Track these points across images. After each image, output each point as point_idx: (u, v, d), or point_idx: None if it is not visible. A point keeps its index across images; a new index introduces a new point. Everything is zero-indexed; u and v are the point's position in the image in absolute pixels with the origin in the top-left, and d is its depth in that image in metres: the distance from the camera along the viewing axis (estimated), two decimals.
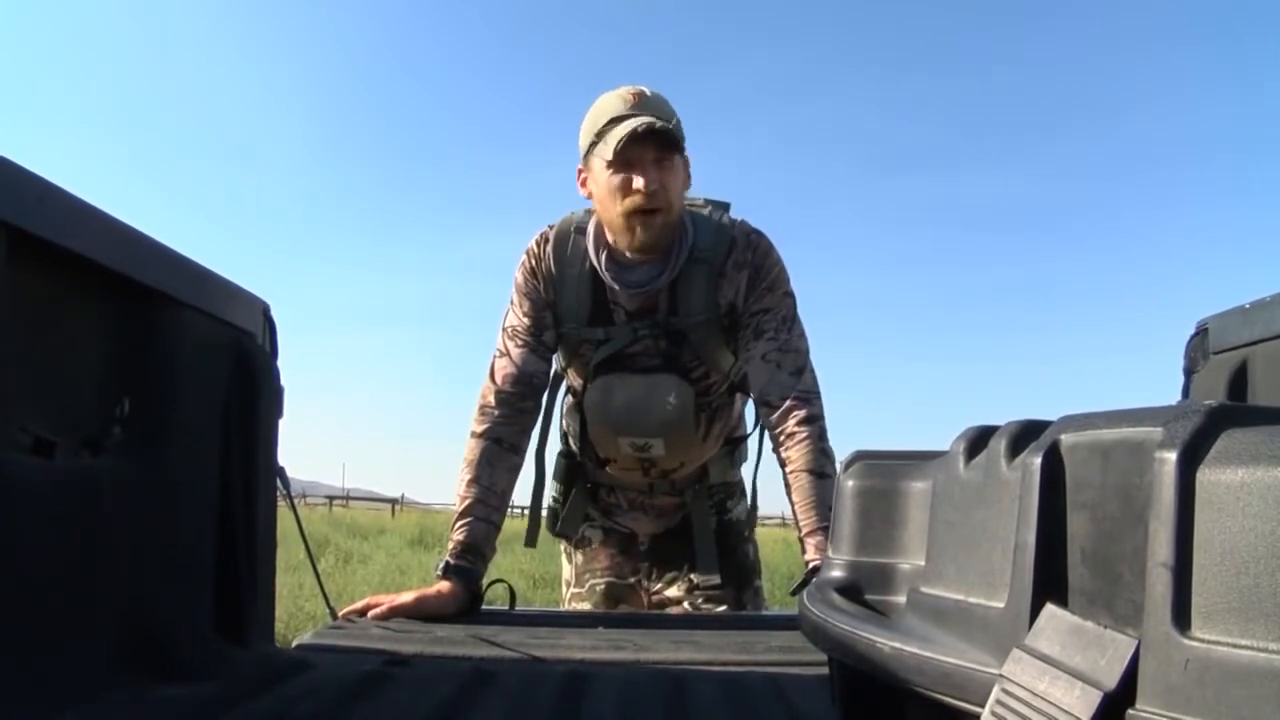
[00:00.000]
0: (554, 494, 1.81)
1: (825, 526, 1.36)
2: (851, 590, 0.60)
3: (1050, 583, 0.42)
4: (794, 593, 0.95)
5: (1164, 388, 1.38)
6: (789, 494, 1.49)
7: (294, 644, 1.18)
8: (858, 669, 0.53)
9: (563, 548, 1.91)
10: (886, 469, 0.63)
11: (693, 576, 1.72)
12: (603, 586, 1.80)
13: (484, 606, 1.51)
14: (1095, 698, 0.36)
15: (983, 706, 0.42)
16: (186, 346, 0.96)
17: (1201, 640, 0.34)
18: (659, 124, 1.40)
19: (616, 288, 1.53)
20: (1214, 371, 1.24)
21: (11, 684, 0.70)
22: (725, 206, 1.62)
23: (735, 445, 1.81)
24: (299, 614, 4.06)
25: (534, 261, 1.58)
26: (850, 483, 0.64)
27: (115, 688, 0.80)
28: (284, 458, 1.17)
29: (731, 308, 1.55)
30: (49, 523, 0.76)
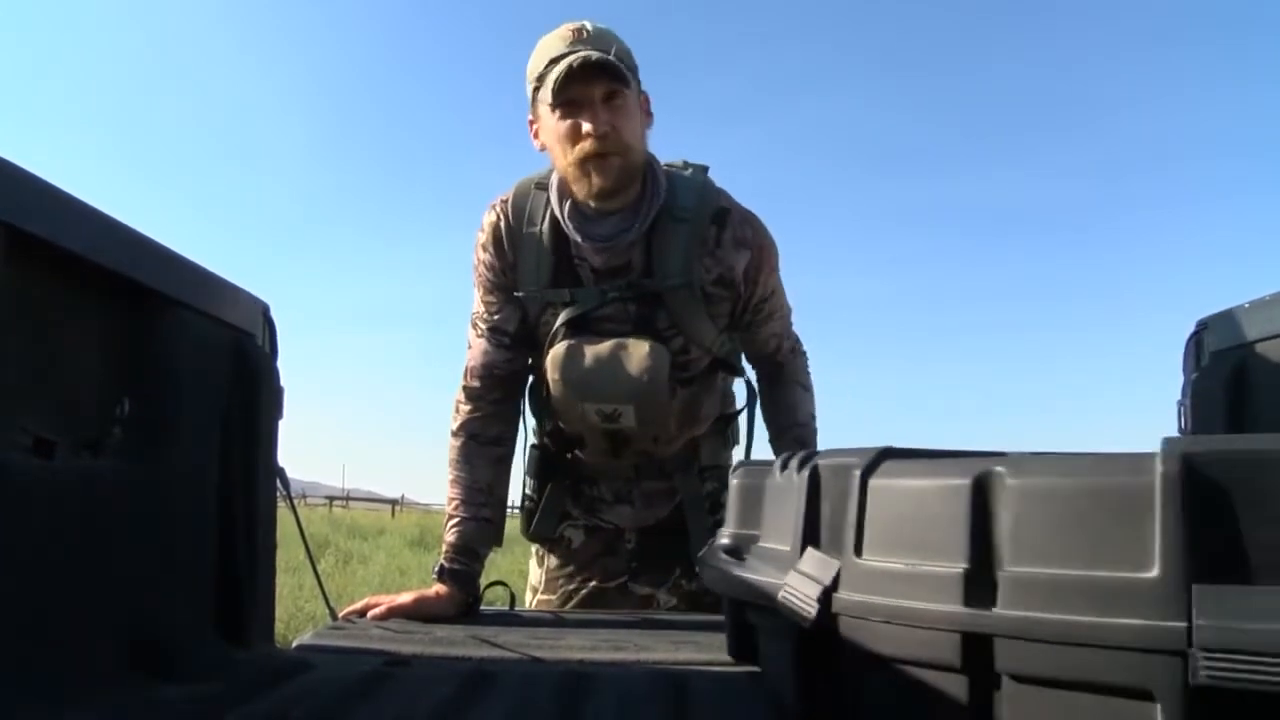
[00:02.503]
0: (528, 491, 1.63)
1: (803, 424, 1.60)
2: (734, 551, 0.92)
3: (812, 537, 0.77)
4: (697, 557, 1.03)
5: (1163, 386, 1.38)
6: (774, 402, 1.62)
7: (294, 644, 1.18)
8: (736, 601, 0.95)
9: (534, 550, 1.72)
10: (755, 471, 0.96)
11: (683, 582, 1.60)
12: (585, 592, 1.62)
13: (484, 607, 1.51)
14: (818, 588, 0.72)
15: (776, 601, 0.76)
16: (186, 346, 0.96)
17: (868, 560, 0.70)
18: (596, 55, 1.28)
19: (581, 241, 1.40)
20: (1213, 370, 1.24)
21: (12, 684, 0.70)
22: (704, 169, 1.52)
23: (727, 422, 1.68)
24: (299, 614, 4.06)
25: (490, 227, 1.46)
26: (735, 480, 1.00)
27: (115, 688, 0.80)
28: (284, 458, 1.17)
29: (723, 281, 1.44)
30: (49, 523, 0.76)
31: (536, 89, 1.35)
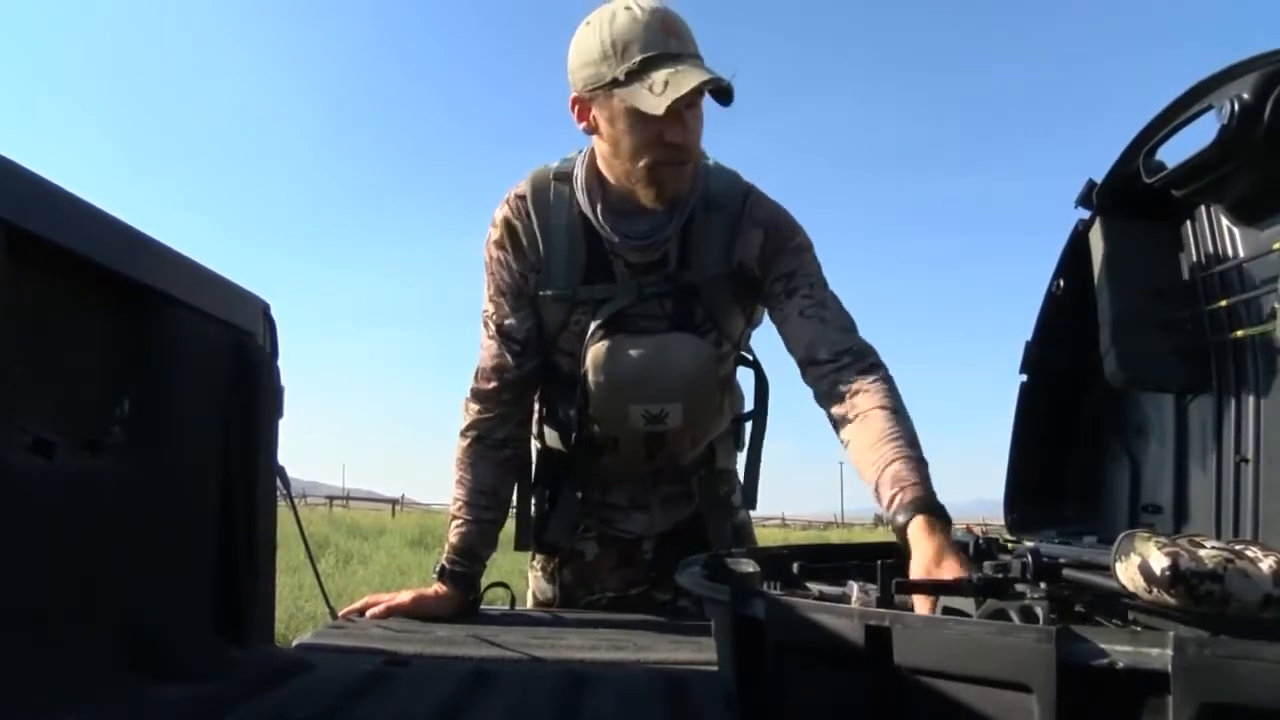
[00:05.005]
0: (537, 499, 1.57)
1: (909, 456, 1.13)
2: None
3: None
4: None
5: None
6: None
7: (294, 644, 1.18)
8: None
9: (538, 566, 1.64)
10: None
11: None
12: (604, 604, 1.57)
13: (484, 607, 1.51)
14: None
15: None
16: (186, 346, 0.96)
17: None
18: (725, 82, 1.20)
19: (616, 240, 1.35)
20: None
21: (11, 684, 0.70)
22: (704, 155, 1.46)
23: (739, 424, 1.62)
24: (299, 614, 4.06)
25: (506, 225, 1.40)
26: None
27: (115, 688, 0.80)
28: (284, 458, 1.17)
29: (741, 268, 1.37)
30: (49, 523, 0.76)
31: (619, 81, 1.22)
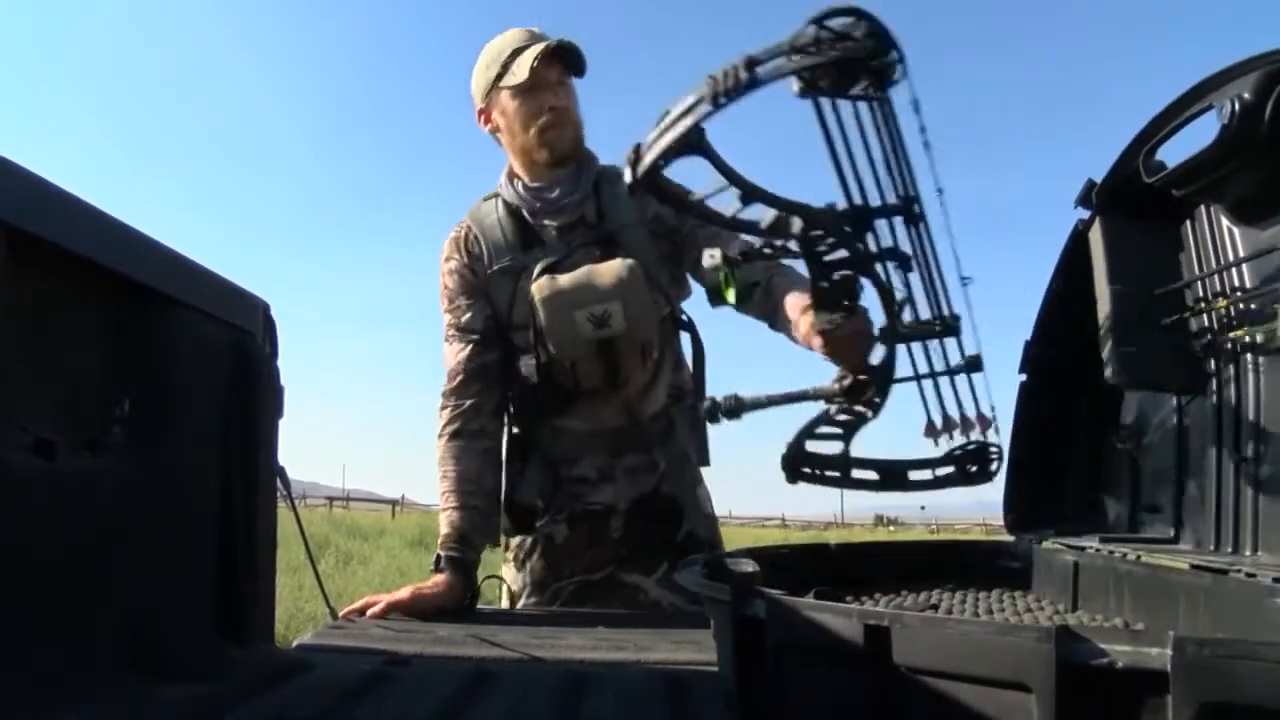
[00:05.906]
0: (508, 475, 1.66)
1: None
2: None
3: None
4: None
5: None
6: (786, 301, 1.38)
7: (294, 644, 1.18)
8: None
9: (510, 556, 1.69)
10: None
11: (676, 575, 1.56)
12: (572, 588, 1.63)
13: (483, 606, 1.51)
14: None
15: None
16: (186, 346, 0.96)
17: None
18: (567, 41, 1.55)
19: (537, 208, 1.62)
20: None
21: (11, 684, 0.70)
22: None
23: (685, 400, 1.69)
24: (299, 614, 4.06)
25: (452, 241, 1.65)
26: None
27: (115, 688, 0.80)
28: (284, 458, 1.17)
29: (657, 218, 1.60)
30: (49, 523, 0.76)
31: (499, 75, 1.58)
